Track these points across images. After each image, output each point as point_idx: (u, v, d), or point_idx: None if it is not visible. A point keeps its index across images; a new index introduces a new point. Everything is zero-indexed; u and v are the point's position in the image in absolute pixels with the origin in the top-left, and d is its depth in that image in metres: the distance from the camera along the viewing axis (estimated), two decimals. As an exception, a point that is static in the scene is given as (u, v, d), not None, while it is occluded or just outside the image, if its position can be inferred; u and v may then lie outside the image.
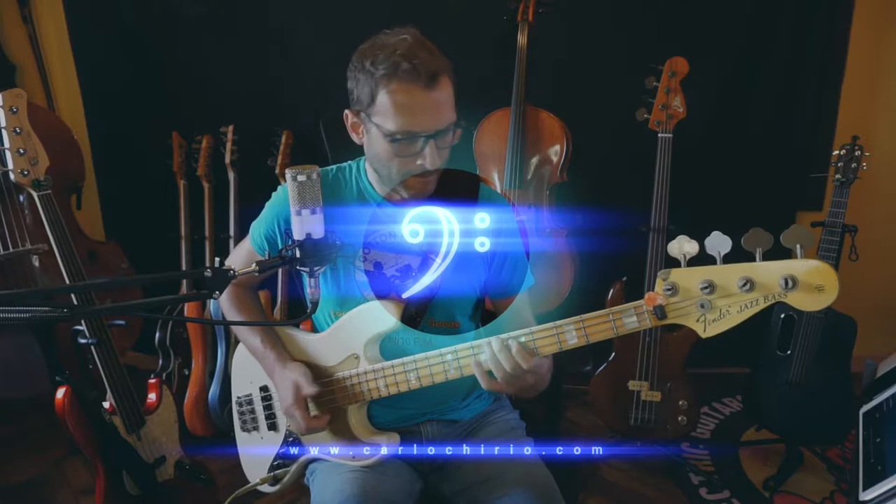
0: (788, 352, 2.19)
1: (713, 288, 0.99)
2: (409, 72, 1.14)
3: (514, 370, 1.13)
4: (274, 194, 1.40)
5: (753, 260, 0.97)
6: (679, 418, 2.24)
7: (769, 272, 0.96)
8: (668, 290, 1.02)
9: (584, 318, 1.10)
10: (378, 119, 1.19)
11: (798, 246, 0.95)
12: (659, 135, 2.10)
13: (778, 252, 0.96)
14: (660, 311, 1.04)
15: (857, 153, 2.03)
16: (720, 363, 2.87)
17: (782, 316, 2.21)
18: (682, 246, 1.02)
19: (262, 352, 1.39)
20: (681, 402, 2.23)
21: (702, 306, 1.01)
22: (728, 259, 0.99)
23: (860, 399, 2.04)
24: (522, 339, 1.14)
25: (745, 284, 0.97)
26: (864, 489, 1.64)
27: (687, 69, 2.06)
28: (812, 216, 2.45)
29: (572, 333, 1.11)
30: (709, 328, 1.02)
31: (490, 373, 1.16)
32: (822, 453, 2.36)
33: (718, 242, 0.99)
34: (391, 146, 1.20)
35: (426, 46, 1.19)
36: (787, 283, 0.95)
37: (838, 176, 2.05)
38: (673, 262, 1.04)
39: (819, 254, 2.08)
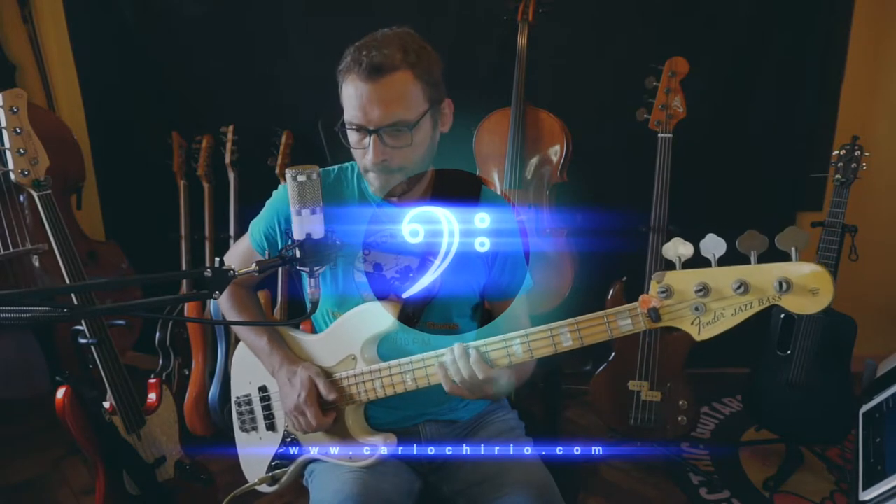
0: (788, 352, 2.18)
1: (707, 291, 0.99)
2: (353, 63, 1.17)
3: (472, 379, 1.15)
4: (274, 192, 1.40)
5: (749, 262, 0.97)
6: (679, 418, 2.24)
7: (763, 275, 0.96)
8: (663, 292, 1.02)
9: (579, 321, 1.10)
10: (344, 111, 1.23)
11: (793, 248, 0.95)
12: (659, 135, 2.10)
13: (774, 254, 0.96)
14: (654, 314, 1.04)
15: (857, 153, 2.03)
16: (720, 363, 2.87)
17: (782, 316, 2.21)
18: (677, 248, 1.01)
19: (268, 351, 1.39)
20: (681, 402, 2.23)
21: (696, 309, 1.01)
22: (723, 261, 0.98)
23: (860, 399, 2.04)
24: (482, 349, 1.16)
25: (739, 287, 0.96)
26: (864, 489, 1.64)
27: (687, 69, 2.06)
28: (812, 216, 2.45)
29: (567, 336, 1.11)
30: (703, 331, 1.02)
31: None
32: (822, 453, 2.36)
33: (713, 245, 0.98)
34: (347, 137, 1.23)
35: (388, 41, 1.19)
36: (781, 285, 0.94)
37: (838, 176, 2.05)
38: (670, 265, 1.03)
39: (819, 254, 2.08)
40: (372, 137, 1.19)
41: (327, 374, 1.33)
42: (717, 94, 2.67)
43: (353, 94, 1.18)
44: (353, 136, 1.23)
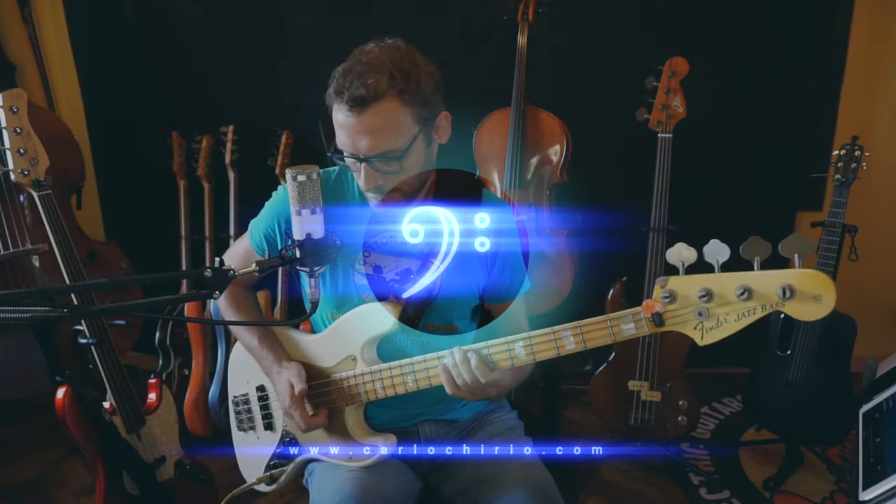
0: (788, 352, 2.18)
1: (711, 296, 0.99)
2: (339, 94, 1.15)
3: (473, 382, 1.15)
4: (274, 193, 1.40)
5: (752, 268, 0.97)
6: (679, 418, 2.24)
7: (767, 281, 0.96)
8: (666, 297, 1.02)
9: (582, 324, 1.10)
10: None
11: (796, 255, 0.95)
12: (659, 135, 2.10)
13: (777, 260, 0.96)
14: (657, 319, 1.04)
15: (857, 153, 2.03)
16: (720, 363, 2.87)
17: (782, 316, 2.21)
18: (681, 253, 1.01)
19: (260, 351, 1.39)
20: (681, 402, 2.23)
21: (699, 314, 1.01)
22: (726, 267, 0.98)
23: (860, 399, 2.04)
24: (484, 351, 1.16)
25: (742, 293, 0.97)
26: (864, 489, 1.64)
27: (687, 69, 2.06)
28: (812, 216, 2.45)
29: (570, 339, 1.11)
30: (706, 336, 1.02)
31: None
32: (822, 453, 2.36)
33: (717, 250, 0.98)
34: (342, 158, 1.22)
35: (373, 66, 1.15)
36: (784, 292, 0.94)
37: (838, 176, 2.05)
38: (672, 269, 1.03)
39: (819, 254, 2.08)
40: (363, 165, 1.19)
41: (326, 375, 1.33)
42: (717, 94, 2.67)
43: (340, 123, 1.17)
44: (347, 161, 1.22)
